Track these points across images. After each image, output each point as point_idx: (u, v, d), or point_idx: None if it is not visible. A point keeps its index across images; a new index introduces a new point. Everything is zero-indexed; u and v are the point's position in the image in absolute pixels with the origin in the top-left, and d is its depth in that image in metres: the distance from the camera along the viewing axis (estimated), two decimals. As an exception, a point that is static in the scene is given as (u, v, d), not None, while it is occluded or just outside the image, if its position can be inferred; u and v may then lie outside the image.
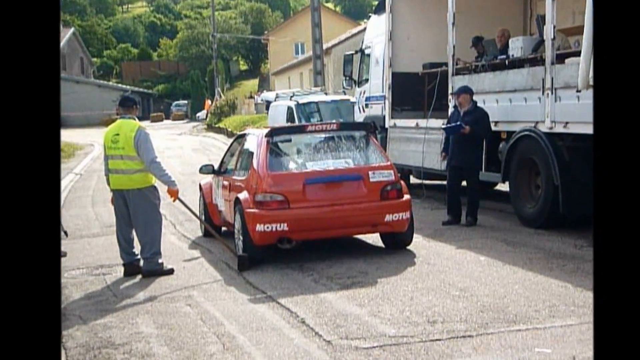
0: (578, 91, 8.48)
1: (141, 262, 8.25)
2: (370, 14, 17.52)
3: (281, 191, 8.17)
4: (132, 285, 7.88)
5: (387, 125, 13.93)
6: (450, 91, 11.61)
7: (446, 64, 11.95)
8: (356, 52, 16.39)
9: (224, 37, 69.37)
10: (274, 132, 8.83)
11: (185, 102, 67.54)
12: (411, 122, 13.15)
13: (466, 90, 10.40)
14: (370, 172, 8.39)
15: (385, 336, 5.52)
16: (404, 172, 12.99)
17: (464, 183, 10.50)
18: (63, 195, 16.15)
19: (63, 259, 8.89)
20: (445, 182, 11.01)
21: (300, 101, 18.46)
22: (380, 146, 9.30)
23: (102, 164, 8.79)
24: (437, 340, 5.37)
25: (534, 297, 6.37)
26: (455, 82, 11.44)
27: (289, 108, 18.31)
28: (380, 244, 8.97)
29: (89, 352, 5.63)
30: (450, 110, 11.14)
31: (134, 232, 8.35)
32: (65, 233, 10.21)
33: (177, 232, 11.08)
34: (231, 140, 11.99)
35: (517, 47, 10.62)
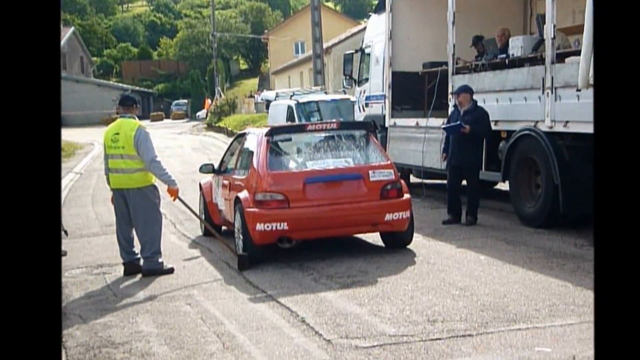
0: (578, 90, 8.49)
1: (141, 261, 8.25)
2: (370, 13, 17.54)
3: (281, 190, 8.17)
4: (132, 284, 7.88)
5: (387, 125, 13.94)
6: (450, 90, 11.61)
7: (446, 63, 11.95)
8: (356, 51, 16.39)
9: (224, 36, 69.37)
10: (274, 132, 8.83)
11: (185, 101, 67.55)
12: (411, 122, 13.15)
13: (466, 90, 10.40)
14: (370, 172, 8.39)
15: (385, 335, 5.52)
16: (404, 171, 12.99)
17: (464, 182, 10.50)
18: (63, 195, 16.14)
19: (63, 258, 8.90)
20: (445, 182, 11.02)
21: (301, 100, 18.46)
22: (380, 145, 9.30)
23: (102, 163, 8.79)
24: (437, 339, 5.37)
25: (534, 296, 6.37)
26: (455, 82, 11.44)
27: (289, 107, 18.32)
28: (380, 243, 8.97)
29: (89, 351, 5.63)
30: (450, 109, 11.14)
31: (134, 232, 8.35)
32: (66, 232, 10.20)
33: (177, 231, 11.08)
34: (231, 139, 11.98)
35: (517, 46, 10.62)
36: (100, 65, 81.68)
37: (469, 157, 10.25)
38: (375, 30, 15.13)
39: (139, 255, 8.29)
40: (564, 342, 5.17)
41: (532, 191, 10.00)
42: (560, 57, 9.29)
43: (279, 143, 8.72)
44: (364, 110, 15.56)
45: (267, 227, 8.04)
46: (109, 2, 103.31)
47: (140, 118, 9.18)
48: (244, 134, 9.98)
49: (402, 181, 8.77)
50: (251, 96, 49.43)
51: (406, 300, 6.49)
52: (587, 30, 7.86)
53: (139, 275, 8.14)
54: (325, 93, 21.24)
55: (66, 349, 5.69)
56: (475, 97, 10.39)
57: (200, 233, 10.60)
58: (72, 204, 14.98)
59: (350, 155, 8.66)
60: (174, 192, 8.30)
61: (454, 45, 11.64)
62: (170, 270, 8.18)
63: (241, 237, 8.41)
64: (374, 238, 9.19)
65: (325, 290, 7.00)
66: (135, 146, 8.03)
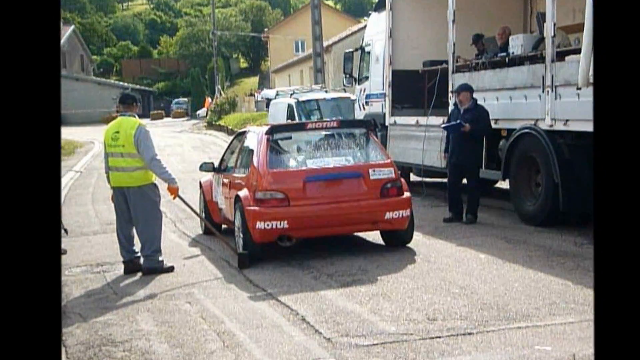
0: (578, 89, 8.48)
1: (141, 260, 8.25)
2: (370, 12, 17.53)
3: (281, 189, 8.17)
4: (133, 282, 7.88)
5: (387, 123, 13.93)
6: (450, 89, 11.60)
7: (446, 62, 11.94)
8: (356, 49, 16.38)
9: (224, 35, 69.36)
10: (274, 130, 8.83)
11: (186, 99, 67.56)
12: (411, 120, 13.15)
13: (466, 88, 10.40)
14: (370, 170, 8.39)
15: (385, 334, 5.52)
16: (404, 169, 12.99)
17: (465, 180, 10.50)
18: (63, 193, 16.15)
19: (63, 257, 8.90)
20: (445, 180, 11.01)
21: (301, 99, 18.45)
22: (380, 144, 9.30)
23: (102, 161, 8.79)
24: (437, 337, 5.37)
25: (534, 295, 6.37)
26: (456, 80, 11.44)
27: (289, 106, 18.31)
28: (380, 241, 8.97)
29: (89, 349, 5.64)
30: (451, 107, 11.14)
31: (134, 230, 8.35)
32: (66, 231, 10.21)
33: (178, 229, 11.08)
34: (231, 138, 11.98)
35: (517, 44, 10.61)
36: (100, 63, 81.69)
37: (469, 155, 10.25)
38: (376, 29, 15.12)
39: (139, 254, 8.29)
40: (564, 341, 5.17)
41: (532, 190, 10.00)
42: (560, 56, 9.29)
43: (279, 141, 8.72)
44: (364, 108, 15.55)
45: (267, 225, 8.04)
46: (109, 0, 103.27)
47: (141, 116, 9.18)
48: (244, 133, 9.97)
49: (402, 179, 8.78)
50: (251, 94, 49.45)
51: (406, 298, 6.49)
52: (587, 29, 7.86)
53: (139, 274, 8.14)
54: (326, 91, 21.22)
55: (66, 348, 5.69)
56: (475, 95, 10.38)
57: (200, 231, 10.61)
58: (72, 203, 14.98)
59: (351, 154, 8.66)
60: (174, 191, 8.30)
61: (454, 44, 11.63)
62: (171, 269, 8.18)
63: (241, 235, 8.41)
64: (374, 236, 9.19)
65: (326, 288, 7.00)
66: (136, 144, 8.03)
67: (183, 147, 29.72)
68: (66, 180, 19.36)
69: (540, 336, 5.30)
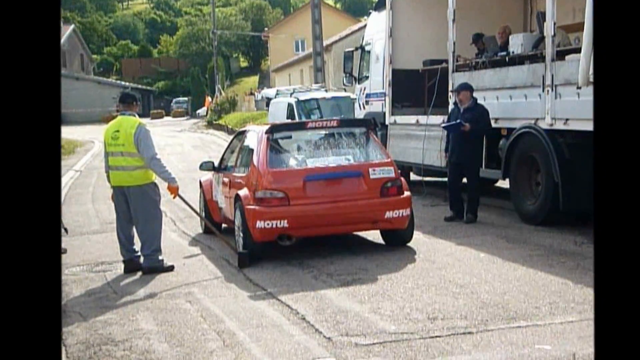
0: (578, 88, 8.48)
1: (141, 259, 8.25)
2: (370, 11, 17.49)
3: (281, 188, 8.17)
4: (133, 282, 7.88)
5: (387, 122, 13.93)
6: (450, 88, 11.60)
7: (446, 61, 11.94)
8: (356, 48, 16.38)
9: (224, 34, 69.35)
10: (274, 129, 8.83)
11: (186, 99, 67.59)
12: (411, 119, 13.15)
13: (466, 87, 10.39)
14: (370, 169, 8.38)
15: (385, 333, 5.52)
16: (404, 168, 12.99)
17: (465, 180, 10.50)
18: (63, 192, 16.15)
19: (63, 256, 8.90)
20: (445, 179, 11.01)
21: (301, 98, 18.46)
22: (380, 143, 9.30)
23: (102, 160, 8.79)
24: (437, 336, 5.37)
25: (534, 294, 6.37)
26: (456, 79, 11.44)
27: (290, 105, 18.32)
28: (380, 240, 8.97)
29: (89, 348, 5.64)
30: (451, 107, 11.14)
31: (134, 229, 8.35)
32: (66, 230, 10.20)
33: (178, 229, 11.08)
34: (231, 137, 11.98)
35: (517, 43, 10.61)
36: (100, 62, 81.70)
37: (469, 154, 10.25)
38: (376, 28, 15.12)
39: (139, 253, 8.29)
40: (564, 340, 5.17)
41: (532, 189, 10.00)
42: (560, 55, 9.29)
43: (279, 141, 8.72)
44: (364, 107, 15.55)
45: (267, 224, 8.04)
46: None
47: (141, 116, 9.19)
48: (244, 132, 9.97)
49: (402, 179, 8.78)
50: (251, 94, 49.41)
51: (406, 297, 6.49)
52: (587, 28, 7.86)
53: (139, 273, 8.14)
54: (326, 91, 21.24)
55: (66, 347, 5.69)
56: (475, 94, 10.38)
57: (200, 231, 10.61)
58: (72, 202, 14.98)
59: (351, 153, 8.66)
60: (174, 190, 8.30)
61: (454, 43, 11.63)
62: (171, 268, 8.18)
63: (241, 234, 8.41)
64: (374, 236, 9.19)
65: (326, 287, 7.00)
66: (136, 144, 8.03)
67: (183, 146, 29.72)
68: (66, 179, 19.36)
69: (541, 335, 5.30)
